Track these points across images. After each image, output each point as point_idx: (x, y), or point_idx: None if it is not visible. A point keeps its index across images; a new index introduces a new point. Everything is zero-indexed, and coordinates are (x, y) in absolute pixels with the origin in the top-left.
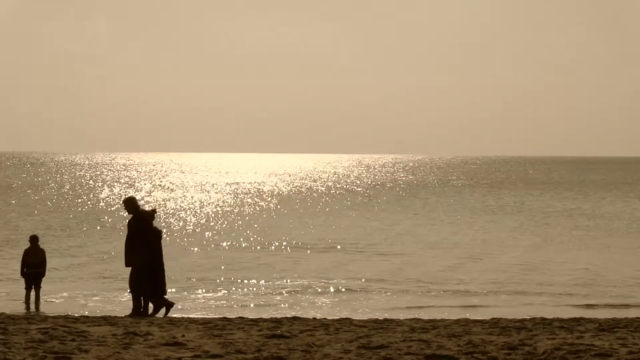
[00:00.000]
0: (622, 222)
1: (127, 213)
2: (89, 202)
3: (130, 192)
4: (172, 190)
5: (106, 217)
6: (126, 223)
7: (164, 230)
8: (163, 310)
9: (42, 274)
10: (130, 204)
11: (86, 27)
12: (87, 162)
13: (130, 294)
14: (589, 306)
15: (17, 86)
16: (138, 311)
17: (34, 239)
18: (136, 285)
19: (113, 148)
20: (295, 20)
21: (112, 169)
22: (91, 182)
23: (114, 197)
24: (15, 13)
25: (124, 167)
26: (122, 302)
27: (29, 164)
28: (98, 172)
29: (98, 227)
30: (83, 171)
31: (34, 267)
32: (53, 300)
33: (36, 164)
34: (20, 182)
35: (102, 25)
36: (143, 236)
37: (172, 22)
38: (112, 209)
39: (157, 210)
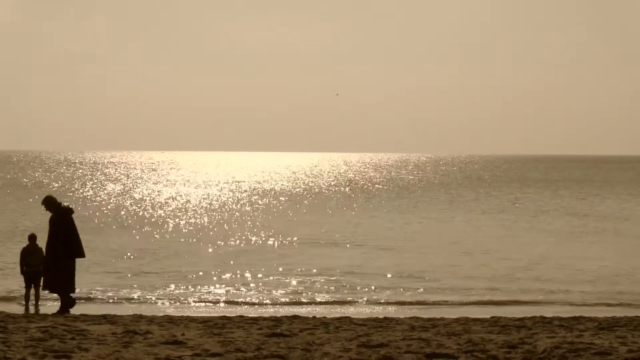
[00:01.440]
0: (620, 220)
1: (48, 211)
2: (89, 201)
3: (131, 190)
4: (171, 187)
5: (105, 216)
6: (48, 220)
7: (164, 228)
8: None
9: (42, 273)
10: (51, 202)
11: (86, 26)
12: (90, 160)
13: (66, 292)
14: (589, 305)
15: (17, 86)
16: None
17: (32, 238)
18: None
19: (114, 147)
20: (295, 20)
21: (113, 167)
22: (93, 180)
23: (113, 195)
24: (16, 13)
25: (126, 165)
26: (122, 301)
27: (31, 163)
28: (100, 171)
29: (101, 225)
30: (85, 169)
31: (33, 266)
32: (53, 299)
33: (35, 162)
34: (30, 180)
35: (103, 25)
36: (64, 231)
37: (173, 22)
38: (112, 206)
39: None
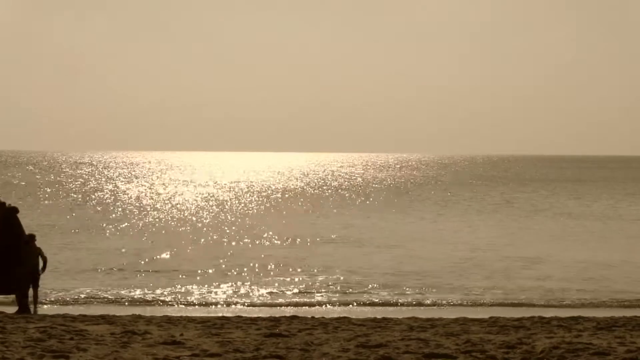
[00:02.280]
0: (615, 220)
1: None
2: (90, 201)
3: (131, 190)
4: (171, 187)
5: (105, 215)
6: None
7: (163, 228)
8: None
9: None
10: None
11: (87, 26)
12: (90, 160)
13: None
14: (587, 305)
15: (20, 85)
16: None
17: (30, 238)
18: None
19: (115, 147)
20: (295, 20)
21: (115, 166)
22: (92, 180)
23: (113, 195)
24: (17, 13)
25: (126, 165)
26: (121, 301)
27: (31, 164)
28: (100, 171)
29: (101, 225)
30: (85, 169)
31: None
32: (51, 299)
33: (38, 163)
34: (27, 181)
35: (103, 24)
36: (10, 231)
37: (173, 21)
38: (111, 206)
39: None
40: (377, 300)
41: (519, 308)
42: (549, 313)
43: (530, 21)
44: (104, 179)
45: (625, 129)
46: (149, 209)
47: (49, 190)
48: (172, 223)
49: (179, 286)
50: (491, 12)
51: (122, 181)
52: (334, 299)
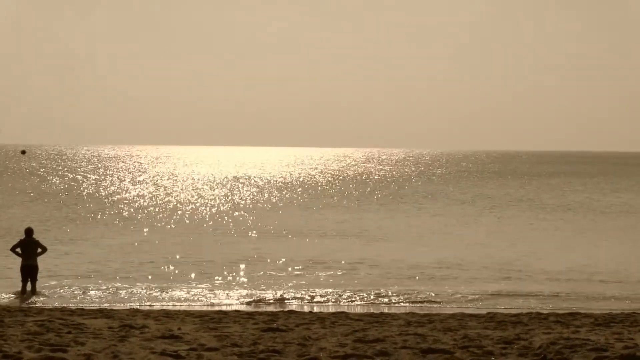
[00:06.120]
0: (609, 214)
1: None
2: (88, 194)
3: (130, 184)
4: (171, 181)
5: (103, 210)
6: None
7: (160, 223)
8: None
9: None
10: None
11: (87, 25)
12: (93, 155)
13: None
14: (585, 300)
15: (22, 83)
16: None
17: (29, 232)
18: None
19: (118, 141)
20: (296, 18)
21: (117, 161)
22: (89, 175)
23: (111, 190)
24: (20, 13)
25: (124, 159)
26: (119, 295)
27: (32, 157)
28: (103, 165)
29: (96, 218)
30: (87, 164)
31: (29, 259)
32: (49, 292)
33: (41, 156)
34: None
35: (103, 21)
36: None
37: (172, 19)
38: (110, 200)
39: None
40: (374, 295)
41: (517, 304)
42: (546, 309)
43: (528, 18)
44: (105, 173)
45: (621, 126)
46: (148, 203)
47: (55, 182)
48: (171, 217)
49: (177, 280)
50: (490, 8)
51: (121, 176)
52: (332, 293)
